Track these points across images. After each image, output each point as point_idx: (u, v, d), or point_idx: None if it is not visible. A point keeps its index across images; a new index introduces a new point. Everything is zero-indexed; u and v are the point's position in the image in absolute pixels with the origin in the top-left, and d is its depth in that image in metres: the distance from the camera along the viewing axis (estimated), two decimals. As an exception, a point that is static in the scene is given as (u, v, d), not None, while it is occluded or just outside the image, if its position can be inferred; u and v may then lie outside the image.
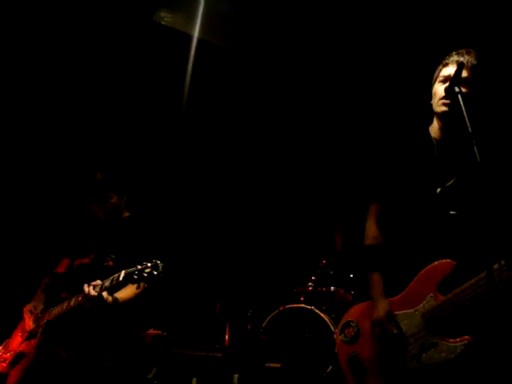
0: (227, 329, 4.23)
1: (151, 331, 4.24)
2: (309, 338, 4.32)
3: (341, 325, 2.32)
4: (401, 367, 2.04)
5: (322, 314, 4.41)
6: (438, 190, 2.15)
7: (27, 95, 4.46)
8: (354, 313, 2.32)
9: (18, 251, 4.23)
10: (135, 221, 3.09)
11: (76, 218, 3.37)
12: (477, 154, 1.77)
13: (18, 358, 2.92)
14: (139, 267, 2.51)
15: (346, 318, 2.32)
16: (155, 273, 2.48)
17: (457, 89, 1.96)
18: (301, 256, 5.33)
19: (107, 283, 2.61)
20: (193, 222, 5.25)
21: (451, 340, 1.96)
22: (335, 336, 2.33)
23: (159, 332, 4.30)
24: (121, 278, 2.55)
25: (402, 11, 4.27)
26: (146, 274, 2.48)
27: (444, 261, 2.04)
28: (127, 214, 3.17)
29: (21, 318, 3.08)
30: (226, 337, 4.17)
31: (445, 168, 2.18)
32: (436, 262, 2.05)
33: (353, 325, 2.26)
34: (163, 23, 4.36)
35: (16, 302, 3.21)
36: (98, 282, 2.67)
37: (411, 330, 2.06)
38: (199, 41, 4.62)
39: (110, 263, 2.91)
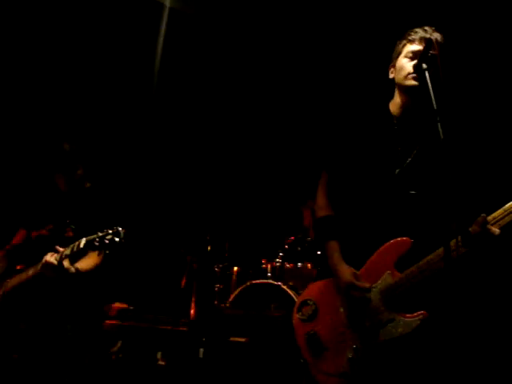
0: (193, 303, 4.22)
1: (116, 304, 4.21)
2: (275, 313, 4.35)
3: (298, 304, 2.31)
4: (358, 343, 2.05)
5: (288, 291, 4.45)
6: (397, 170, 2.14)
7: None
8: (311, 291, 2.30)
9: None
10: (96, 191, 3.05)
11: (33, 188, 3.29)
12: (440, 132, 1.76)
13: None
14: (100, 234, 2.48)
15: (303, 296, 2.30)
16: (117, 239, 2.45)
17: (424, 65, 1.95)
18: (268, 231, 5.33)
19: (68, 251, 2.57)
20: (157, 190, 5.19)
21: (408, 315, 1.98)
22: (293, 315, 2.30)
23: (125, 305, 4.28)
24: (81, 246, 2.51)
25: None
26: (107, 241, 2.45)
27: (401, 238, 2.05)
28: (88, 185, 3.12)
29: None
30: (192, 311, 4.17)
31: (404, 144, 2.18)
32: (393, 240, 2.07)
33: (310, 303, 2.25)
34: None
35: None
36: (60, 249, 2.62)
37: (369, 306, 2.06)
38: (171, 9, 4.51)
39: (70, 233, 2.86)
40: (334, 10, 4.47)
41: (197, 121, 5.40)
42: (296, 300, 4.30)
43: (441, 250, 1.89)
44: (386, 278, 2.06)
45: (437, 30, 2.19)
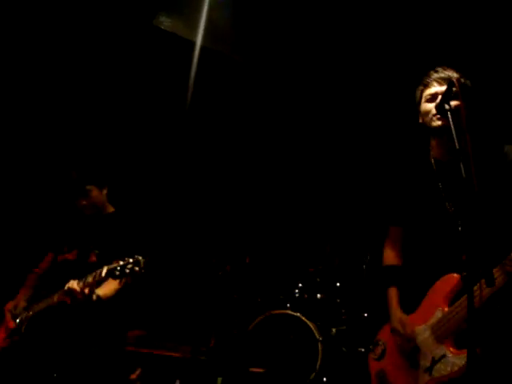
0: (213, 332, 4.23)
1: (136, 332, 4.24)
2: (293, 344, 4.33)
3: (373, 344, 2.44)
4: (418, 380, 2.10)
5: (307, 321, 4.43)
6: (440, 210, 2.19)
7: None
8: (383, 331, 2.42)
9: (1, 247, 4.21)
10: (120, 216, 3.11)
11: (60, 214, 3.36)
12: (462, 170, 1.80)
13: (2, 354, 2.93)
14: (121, 263, 2.53)
15: (377, 337, 2.44)
16: (137, 268, 2.50)
17: (447, 106, 1.98)
18: (288, 262, 5.34)
19: (90, 279, 2.63)
20: (180, 219, 5.25)
21: (457, 351, 1.99)
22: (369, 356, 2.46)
23: (144, 333, 4.30)
24: (103, 274, 2.56)
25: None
26: (127, 270, 2.50)
27: (450, 274, 2.09)
28: (112, 210, 3.18)
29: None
30: (212, 340, 4.17)
31: (444, 185, 2.23)
32: (442, 277, 2.11)
33: (380, 343, 2.38)
34: (163, 28, 4.37)
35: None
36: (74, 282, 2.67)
37: (424, 343, 2.11)
38: (202, 48, 4.64)
39: (94, 259, 2.93)
40: (374, 60, 4.56)
41: (222, 151, 5.49)
42: (314, 331, 4.31)
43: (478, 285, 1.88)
44: (437, 315, 2.10)
45: (450, 67, 2.24)
